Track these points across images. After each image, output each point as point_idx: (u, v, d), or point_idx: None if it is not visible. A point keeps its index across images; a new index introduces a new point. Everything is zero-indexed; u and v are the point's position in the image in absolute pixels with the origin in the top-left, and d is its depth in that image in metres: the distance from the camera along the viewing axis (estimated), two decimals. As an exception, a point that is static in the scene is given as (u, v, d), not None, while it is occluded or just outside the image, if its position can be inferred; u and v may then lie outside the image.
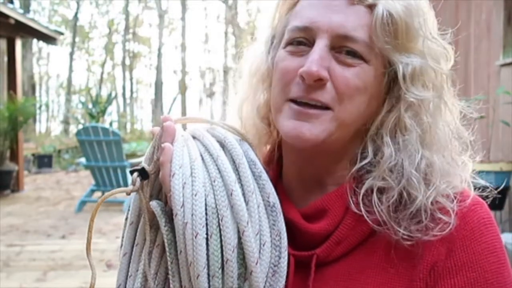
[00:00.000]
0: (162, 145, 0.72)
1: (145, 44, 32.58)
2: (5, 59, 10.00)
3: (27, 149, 12.20)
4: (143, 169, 0.74)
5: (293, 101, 0.75)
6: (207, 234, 0.66)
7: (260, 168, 0.73)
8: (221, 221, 0.66)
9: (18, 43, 9.96)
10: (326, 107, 0.74)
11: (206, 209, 0.67)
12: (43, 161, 13.38)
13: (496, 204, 3.84)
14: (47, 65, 32.73)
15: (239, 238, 0.67)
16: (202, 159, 0.71)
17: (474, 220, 0.75)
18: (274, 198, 0.72)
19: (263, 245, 0.69)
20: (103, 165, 7.67)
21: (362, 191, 0.75)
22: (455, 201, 0.74)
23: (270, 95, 0.82)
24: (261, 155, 0.84)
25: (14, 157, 9.58)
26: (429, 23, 0.78)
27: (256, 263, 0.66)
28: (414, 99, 0.75)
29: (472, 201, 0.76)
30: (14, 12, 8.99)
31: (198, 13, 43.02)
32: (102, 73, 31.07)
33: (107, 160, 7.67)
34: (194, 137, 0.76)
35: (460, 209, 0.75)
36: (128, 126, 25.78)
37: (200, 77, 32.98)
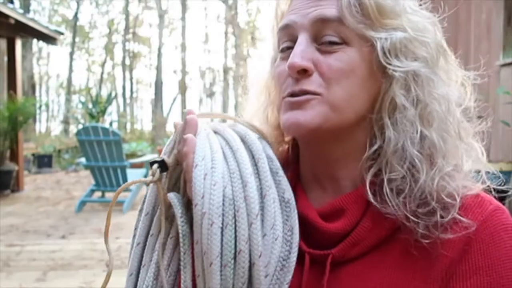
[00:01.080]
0: (185, 136, 0.74)
1: (145, 44, 32.58)
2: (5, 59, 10.00)
3: (27, 149, 12.19)
4: (163, 161, 0.76)
5: (286, 96, 0.78)
6: (222, 224, 0.67)
7: (277, 164, 0.75)
8: (237, 212, 0.68)
9: (18, 43, 9.96)
10: (314, 93, 0.75)
11: (223, 200, 0.68)
12: (43, 161, 13.38)
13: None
14: (47, 65, 32.78)
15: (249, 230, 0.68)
16: (223, 152, 0.73)
17: (494, 225, 0.73)
18: (289, 194, 0.74)
19: (276, 239, 0.70)
20: (103, 165, 7.67)
21: (369, 176, 0.75)
22: (458, 184, 0.74)
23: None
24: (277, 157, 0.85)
25: (14, 157, 9.58)
26: None
27: (260, 256, 0.67)
28: (401, 73, 0.74)
29: (494, 206, 0.75)
30: (14, 12, 8.99)
31: (198, 13, 43.06)
32: (102, 73, 31.08)
33: (107, 160, 7.66)
34: (215, 132, 0.78)
35: (478, 211, 0.73)
36: (128, 126, 25.80)
37: (200, 77, 33.01)
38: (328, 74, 0.74)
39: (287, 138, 0.89)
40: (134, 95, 33.56)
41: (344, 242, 0.76)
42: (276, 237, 0.70)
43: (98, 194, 8.20)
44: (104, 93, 23.32)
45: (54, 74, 33.54)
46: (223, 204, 0.68)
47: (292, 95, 0.76)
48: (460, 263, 0.72)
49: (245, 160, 0.71)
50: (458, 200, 0.72)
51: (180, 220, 0.72)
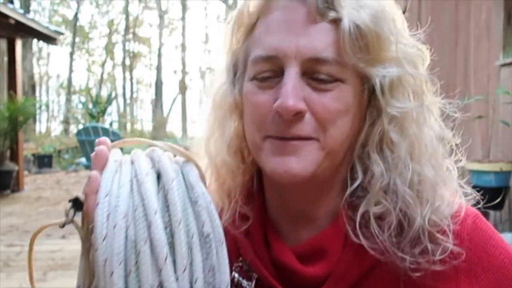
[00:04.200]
0: (89, 173, 0.66)
1: (145, 44, 32.58)
2: (5, 59, 9.99)
3: (27, 149, 12.19)
4: (76, 199, 0.67)
5: (271, 136, 0.69)
6: (125, 271, 0.59)
7: (198, 192, 0.65)
8: (138, 257, 0.60)
9: (18, 43, 9.95)
10: (309, 138, 0.68)
11: (125, 244, 0.60)
12: (43, 161, 13.37)
13: (496, 204, 3.84)
14: (47, 65, 32.74)
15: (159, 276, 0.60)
16: (131, 185, 0.64)
17: (481, 237, 0.72)
18: (209, 227, 0.64)
19: (195, 282, 0.61)
20: (103, 165, 7.67)
21: (358, 218, 0.69)
22: (450, 219, 0.71)
23: (242, 126, 0.75)
24: (238, 188, 0.78)
25: (14, 157, 9.57)
26: (398, 24, 0.72)
27: None
28: (396, 112, 0.69)
29: (469, 217, 0.73)
30: (14, 12, 8.98)
31: (198, 13, 43.04)
32: (102, 73, 31.07)
33: (107, 160, 7.67)
34: (132, 162, 0.68)
35: (461, 231, 0.71)
36: (128, 126, 25.80)
37: (200, 77, 32.99)
38: (324, 116, 0.67)
39: (249, 167, 0.79)
40: (134, 95, 33.57)
41: (328, 281, 0.71)
42: (195, 280, 0.61)
43: (98, 194, 8.20)
44: (104, 93, 23.38)
45: (54, 74, 33.56)
46: (125, 248, 0.60)
47: (282, 138, 0.68)
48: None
49: (149, 194, 0.62)
50: (450, 235, 0.70)
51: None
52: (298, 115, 0.67)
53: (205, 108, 0.82)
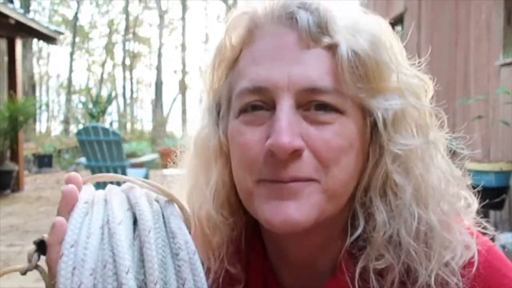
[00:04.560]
0: (54, 220, 0.56)
1: (145, 44, 32.58)
2: (5, 59, 10.00)
3: (27, 149, 12.18)
4: (42, 241, 0.58)
5: (266, 180, 0.61)
6: None
7: (180, 243, 0.56)
8: None
9: (18, 43, 9.95)
10: (309, 179, 0.60)
11: None
12: (43, 161, 13.37)
13: (496, 204, 3.84)
14: (47, 65, 32.75)
15: None
16: (102, 233, 0.55)
17: (495, 277, 0.65)
18: (190, 285, 0.55)
19: None
20: (103, 165, 7.66)
21: (357, 273, 0.62)
22: (458, 275, 0.62)
23: (230, 173, 0.66)
24: (225, 246, 0.68)
25: (14, 157, 9.57)
26: (397, 51, 0.65)
27: None
28: (400, 149, 0.62)
29: (481, 264, 0.64)
30: (14, 12, 8.98)
31: (198, 13, 43.04)
32: (102, 73, 31.06)
33: (107, 160, 7.66)
34: (106, 201, 0.59)
35: (476, 271, 0.63)
36: (128, 126, 25.79)
37: (200, 77, 32.93)
38: (326, 154, 0.59)
39: (235, 216, 0.69)
40: (134, 95, 33.56)
41: None
42: None
43: (98, 194, 8.19)
44: (104, 93, 23.37)
45: (54, 74, 33.54)
46: None
47: (278, 181, 0.60)
48: None
49: (121, 249, 0.53)
50: None
51: None
52: (295, 154, 0.58)
53: (187, 153, 0.72)
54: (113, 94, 17.49)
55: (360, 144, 0.62)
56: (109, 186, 0.62)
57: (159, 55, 28.74)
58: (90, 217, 0.56)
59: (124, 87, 30.93)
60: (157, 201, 0.60)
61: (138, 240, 0.55)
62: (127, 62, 31.03)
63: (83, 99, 20.54)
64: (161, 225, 0.57)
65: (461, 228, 0.65)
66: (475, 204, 0.68)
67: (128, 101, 31.84)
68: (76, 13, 28.47)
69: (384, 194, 0.63)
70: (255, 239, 0.70)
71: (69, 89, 27.82)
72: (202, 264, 0.58)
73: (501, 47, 4.72)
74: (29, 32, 9.86)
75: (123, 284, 0.51)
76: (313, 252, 0.67)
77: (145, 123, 31.34)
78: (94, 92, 21.19)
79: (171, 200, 0.60)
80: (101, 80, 30.78)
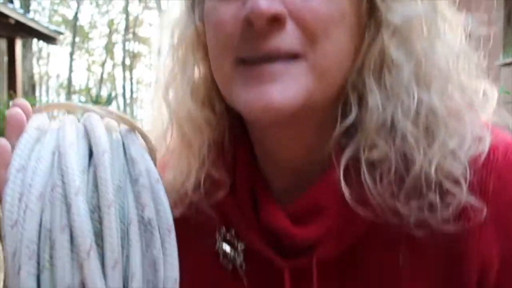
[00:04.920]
0: None
1: (145, 44, 32.60)
2: (5, 59, 10.00)
3: (27, 149, 12.19)
4: None
5: (244, 61, 0.53)
6: (38, 268, 0.47)
7: (140, 169, 0.52)
8: (53, 249, 0.47)
9: (18, 43, 9.95)
10: (294, 56, 0.52)
11: (39, 232, 0.47)
12: (43, 161, 13.39)
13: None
14: (47, 65, 32.75)
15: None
16: (53, 159, 0.51)
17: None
18: (151, 212, 0.50)
19: (132, 280, 0.48)
20: (103, 165, 7.68)
21: (342, 165, 0.54)
22: (466, 164, 0.53)
23: (210, 66, 0.59)
24: (206, 147, 0.61)
25: (14, 157, 9.59)
26: None
27: None
28: (399, 20, 0.53)
29: (503, 147, 0.55)
30: (14, 12, 8.98)
31: (198, 13, 43.03)
32: (102, 73, 31.09)
33: (107, 160, 7.68)
34: (59, 129, 0.54)
35: (484, 180, 0.54)
36: (128, 126, 25.80)
37: None
38: (312, 24, 0.51)
39: (217, 114, 0.62)
40: (134, 95, 33.57)
41: (320, 247, 0.57)
42: (132, 275, 0.48)
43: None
44: (104, 93, 23.43)
45: (54, 74, 33.55)
46: (38, 239, 0.47)
47: (256, 59, 0.52)
48: (504, 247, 0.54)
49: (71, 169, 0.48)
50: (464, 187, 0.53)
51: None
52: (277, 23, 0.50)
53: (160, 52, 0.64)
54: (113, 94, 17.50)
55: (354, 18, 0.54)
56: (65, 116, 0.57)
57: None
58: (42, 143, 0.52)
59: (124, 87, 30.94)
60: (119, 132, 0.56)
61: (93, 166, 0.50)
62: (127, 62, 31.06)
63: (83, 99, 20.55)
64: (120, 152, 0.52)
65: (474, 118, 0.56)
66: (494, 98, 0.59)
67: (128, 101, 31.87)
68: (76, 13, 28.49)
69: (380, 74, 0.54)
70: (241, 143, 0.63)
71: (69, 89, 27.86)
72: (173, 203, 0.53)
73: (501, 47, 4.72)
74: (29, 32, 9.86)
75: (71, 205, 0.47)
76: (302, 153, 0.59)
77: (145, 123, 31.36)
78: (94, 92, 21.25)
79: (134, 129, 0.55)
80: (101, 80, 30.80)
